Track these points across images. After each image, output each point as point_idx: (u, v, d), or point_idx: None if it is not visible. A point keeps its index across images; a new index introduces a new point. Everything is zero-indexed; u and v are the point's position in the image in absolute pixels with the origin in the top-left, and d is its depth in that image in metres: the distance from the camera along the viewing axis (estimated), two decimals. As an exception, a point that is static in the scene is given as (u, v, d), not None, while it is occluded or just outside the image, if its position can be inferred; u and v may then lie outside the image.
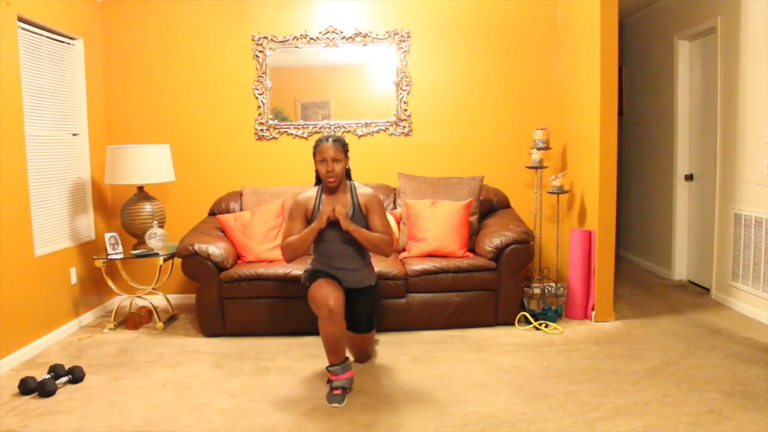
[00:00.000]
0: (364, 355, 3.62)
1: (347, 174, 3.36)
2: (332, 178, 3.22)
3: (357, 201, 3.30)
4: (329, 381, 3.17)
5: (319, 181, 3.38)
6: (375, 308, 3.53)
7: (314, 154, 3.25)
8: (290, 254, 3.26)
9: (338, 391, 3.10)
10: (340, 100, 5.10)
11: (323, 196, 3.32)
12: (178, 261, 4.36)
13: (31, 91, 4.08)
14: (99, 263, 4.42)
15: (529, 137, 4.86)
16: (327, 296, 3.11)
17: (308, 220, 3.32)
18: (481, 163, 5.07)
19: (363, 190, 3.34)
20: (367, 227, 3.30)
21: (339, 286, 3.26)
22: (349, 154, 3.30)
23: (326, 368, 3.18)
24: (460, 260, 4.20)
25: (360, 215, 3.29)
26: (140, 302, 4.67)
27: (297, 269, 4.07)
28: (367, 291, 3.44)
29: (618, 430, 2.72)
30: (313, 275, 3.33)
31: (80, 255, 4.56)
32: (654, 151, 5.82)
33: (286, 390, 3.26)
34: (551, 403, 3.01)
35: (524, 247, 4.19)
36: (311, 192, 3.37)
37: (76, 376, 3.40)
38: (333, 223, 3.21)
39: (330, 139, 3.22)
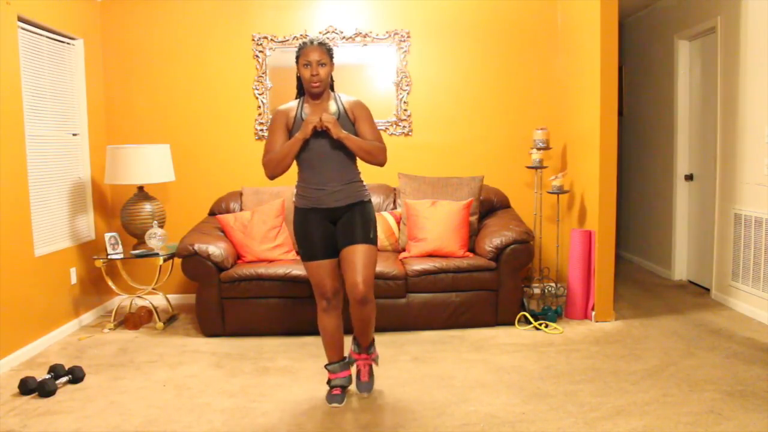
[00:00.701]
0: (362, 288, 2.95)
1: (331, 84, 3.09)
2: (317, 83, 2.93)
3: (343, 108, 3.03)
4: (328, 381, 3.17)
5: (300, 92, 3.10)
6: (371, 223, 3.08)
7: (297, 58, 2.97)
8: (273, 170, 2.98)
9: (337, 391, 3.10)
10: (340, 100, 5.09)
11: (306, 105, 3.04)
12: (178, 261, 4.36)
13: (31, 91, 4.08)
14: (99, 263, 4.42)
15: (529, 137, 4.86)
16: (324, 285, 3.03)
17: (290, 132, 3.01)
18: (481, 163, 5.07)
19: (348, 98, 3.09)
20: (356, 135, 3.02)
21: (336, 270, 3.07)
22: (334, 59, 3.02)
23: (324, 366, 3.17)
24: (460, 260, 4.20)
25: (347, 122, 3.00)
26: (140, 302, 4.67)
27: (297, 269, 4.08)
28: (360, 206, 3.07)
29: (618, 430, 2.72)
30: (303, 217, 3.06)
31: (80, 255, 4.56)
32: (654, 151, 5.82)
33: (286, 390, 3.26)
34: (551, 403, 3.01)
35: (524, 247, 4.19)
36: (292, 102, 3.08)
37: (76, 376, 3.40)
38: (319, 134, 2.93)
39: (315, 42, 2.95)
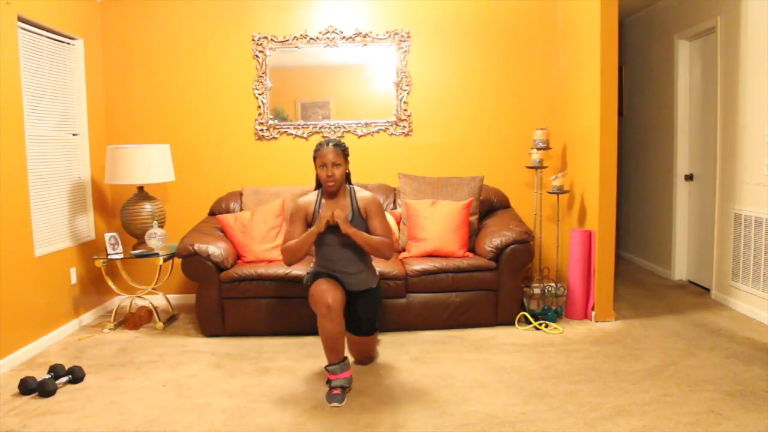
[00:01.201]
0: (366, 358, 3.61)
1: (347, 178, 3.36)
2: (332, 183, 3.23)
3: (356, 205, 3.31)
4: (328, 381, 3.17)
5: (319, 185, 3.37)
6: (376, 311, 3.51)
7: (314, 158, 3.26)
8: (290, 258, 3.27)
9: (337, 391, 3.10)
10: (340, 100, 5.10)
11: (323, 201, 3.32)
12: (178, 261, 4.36)
13: (31, 91, 4.08)
14: (99, 263, 4.42)
15: (529, 137, 4.86)
16: (325, 294, 3.13)
17: (308, 224, 3.32)
18: (481, 163, 5.07)
19: (362, 194, 3.35)
20: (367, 230, 3.30)
21: (338, 285, 3.27)
22: (348, 158, 3.31)
23: (325, 368, 3.19)
24: (460, 260, 4.20)
25: (359, 219, 3.29)
26: (140, 302, 4.67)
27: (297, 269, 4.08)
28: (369, 293, 3.43)
29: (618, 430, 2.72)
30: (314, 276, 3.35)
31: (80, 255, 4.56)
32: (654, 151, 5.82)
33: (286, 390, 3.26)
34: (551, 403, 3.01)
35: (524, 247, 4.19)
36: (311, 196, 3.37)
37: (76, 376, 3.40)
38: (333, 227, 3.20)
39: (330, 144, 3.23)
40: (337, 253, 3.30)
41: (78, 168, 4.65)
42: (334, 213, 3.15)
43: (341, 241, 3.26)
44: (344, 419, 2.91)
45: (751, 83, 4.25)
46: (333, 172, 3.20)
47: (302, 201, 3.35)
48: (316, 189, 3.41)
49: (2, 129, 3.68)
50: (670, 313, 4.45)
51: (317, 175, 3.31)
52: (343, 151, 3.25)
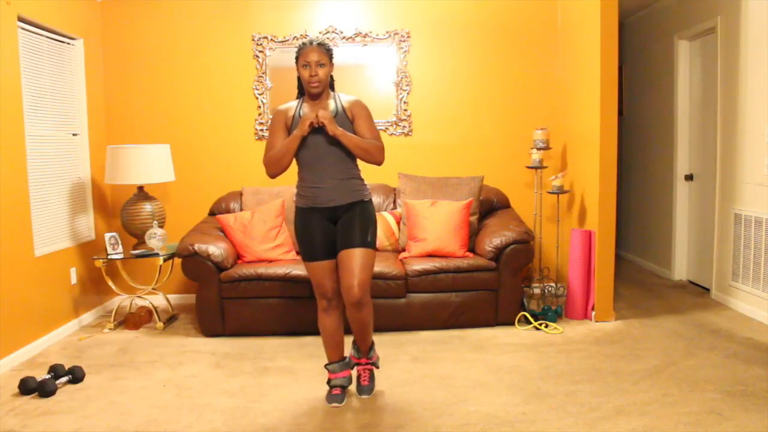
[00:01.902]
0: (356, 286, 2.96)
1: (331, 83, 3.12)
2: (316, 83, 2.95)
3: (342, 107, 3.04)
4: (328, 381, 3.17)
5: (301, 92, 3.12)
6: (370, 225, 3.08)
7: (296, 59, 2.99)
8: (273, 168, 3.01)
9: (337, 391, 3.10)
10: (340, 100, 5.09)
11: (305, 105, 3.06)
12: (178, 261, 4.36)
13: (31, 91, 4.08)
14: (99, 263, 4.42)
15: (529, 137, 4.86)
16: (324, 285, 3.05)
17: (289, 131, 3.03)
18: (481, 163, 5.07)
19: (348, 97, 3.10)
20: (354, 134, 3.03)
21: (334, 270, 3.07)
22: (333, 60, 3.04)
23: (325, 366, 3.18)
24: (460, 260, 4.20)
25: (345, 120, 3.01)
26: (140, 302, 4.67)
27: (297, 269, 4.08)
28: (360, 206, 3.07)
29: (618, 430, 2.72)
30: (307, 240, 3.06)
31: (80, 255, 4.56)
32: (654, 151, 5.82)
33: (286, 390, 3.26)
34: (551, 403, 3.01)
35: (524, 247, 4.19)
36: (292, 102, 3.10)
37: (76, 376, 3.40)
38: (317, 131, 2.95)
39: (314, 43, 2.97)
40: (321, 160, 3.00)
41: (78, 168, 4.65)
42: (319, 113, 2.89)
43: (326, 144, 2.97)
44: (344, 419, 2.91)
45: (751, 83, 4.25)
46: (317, 71, 2.94)
47: (281, 107, 3.09)
48: (297, 98, 3.13)
49: (2, 129, 3.68)
50: (670, 313, 4.45)
51: (299, 78, 3.05)
52: (327, 51, 2.99)
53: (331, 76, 3.09)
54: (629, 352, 3.70)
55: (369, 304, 3.05)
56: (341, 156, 3.02)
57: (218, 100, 5.07)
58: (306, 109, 3.03)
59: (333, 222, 3.08)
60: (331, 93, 3.10)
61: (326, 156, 3.00)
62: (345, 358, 3.20)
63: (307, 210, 3.07)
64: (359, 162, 3.11)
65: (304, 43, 2.99)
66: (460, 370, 3.48)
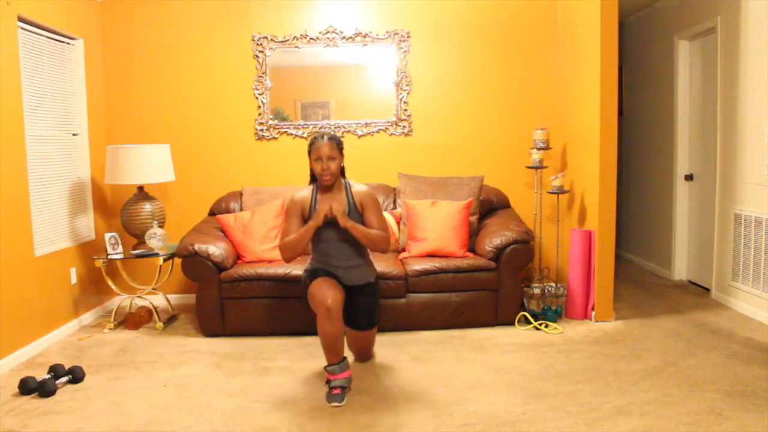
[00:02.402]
0: (365, 354, 3.63)
1: (342, 172, 3.37)
2: (327, 176, 3.22)
3: (352, 198, 3.31)
4: (328, 381, 3.18)
5: (313, 179, 3.38)
6: (375, 305, 3.52)
7: (309, 153, 3.26)
8: (288, 253, 3.27)
9: (337, 391, 3.10)
10: (340, 100, 5.10)
11: (319, 195, 3.32)
12: (178, 261, 4.36)
13: (31, 91, 4.08)
14: (99, 263, 4.42)
15: (529, 137, 4.86)
16: (325, 295, 3.13)
17: (305, 219, 3.31)
18: (481, 163, 5.07)
19: (358, 188, 3.35)
20: (363, 224, 3.31)
21: (338, 285, 3.27)
22: (343, 151, 3.32)
23: (324, 368, 3.19)
24: (460, 260, 4.20)
25: (356, 213, 3.29)
26: (140, 302, 4.67)
27: (297, 269, 4.08)
28: (367, 288, 3.45)
29: (618, 430, 2.72)
30: (312, 274, 3.35)
31: (80, 255, 4.56)
32: (654, 151, 5.82)
33: (286, 390, 3.26)
34: (551, 403, 3.01)
35: (524, 247, 4.19)
36: (306, 191, 3.37)
37: (76, 376, 3.40)
38: (330, 222, 3.21)
39: (325, 137, 3.23)
40: (334, 248, 3.31)
41: (78, 168, 4.65)
42: (332, 207, 3.15)
43: (339, 235, 3.27)
44: (344, 419, 2.91)
45: (751, 83, 4.25)
46: (329, 165, 3.20)
47: (297, 196, 3.35)
48: (310, 184, 3.41)
49: (2, 129, 3.69)
50: (670, 313, 4.45)
51: (312, 170, 3.30)
52: (338, 144, 3.25)
53: (342, 166, 3.36)
54: (629, 352, 3.70)
55: (373, 354, 3.60)
56: (352, 247, 3.33)
57: (218, 100, 5.07)
58: (319, 202, 3.29)
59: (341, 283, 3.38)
60: (342, 182, 3.35)
61: (338, 247, 3.32)
62: (344, 359, 3.21)
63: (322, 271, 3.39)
64: None
65: (315, 138, 3.25)
66: (460, 370, 3.48)
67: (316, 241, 3.33)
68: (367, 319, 3.47)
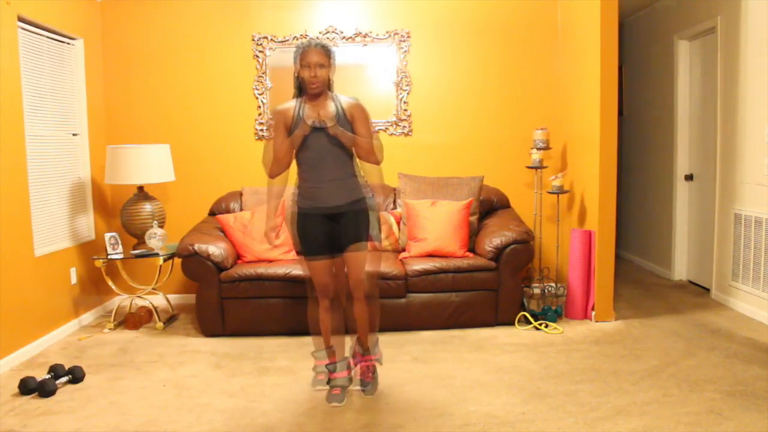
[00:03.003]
0: (364, 278, 3.11)
1: (329, 84, 3.12)
2: (315, 84, 2.98)
3: (342, 108, 3.06)
4: (328, 381, 3.17)
5: (299, 92, 3.11)
6: (371, 220, 3.14)
7: (296, 59, 3.02)
8: (274, 167, 3.08)
9: (337, 390, 3.10)
10: (340, 100, 5.09)
11: (305, 105, 3.06)
12: (178, 261, 4.36)
13: (31, 91, 4.08)
14: (99, 263, 4.42)
15: (529, 137, 4.86)
16: (326, 284, 3.09)
17: (289, 131, 3.05)
18: (481, 163, 5.06)
19: (346, 98, 3.12)
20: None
21: (339, 267, 3.15)
22: (333, 61, 3.07)
23: (312, 353, 3.20)
24: (460, 260, 4.20)
25: (345, 122, 3.04)
26: (140, 302, 4.66)
27: (297, 269, 4.08)
28: (361, 203, 3.12)
29: (618, 430, 2.72)
30: (303, 239, 3.11)
31: (80, 255, 4.56)
32: (654, 151, 5.82)
33: (286, 390, 3.26)
34: (551, 403, 3.01)
35: (524, 247, 4.19)
36: (291, 102, 3.11)
37: (76, 376, 3.40)
38: (318, 131, 2.98)
39: (314, 44, 3.01)
40: (322, 160, 3.04)
41: (78, 168, 4.65)
42: (321, 113, 2.97)
43: (326, 146, 3.02)
44: (344, 419, 2.91)
45: (751, 83, 4.25)
46: (317, 72, 2.97)
47: (280, 108, 3.10)
48: (295, 97, 3.13)
49: (2, 129, 3.68)
50: (670, 313, 4.45)
51: (298, 79, 3.06)
52: (328, 52, 3.02)
53: (331, 78, 3.11)
54: (629, 352, 3.70)
55: (376, 297, 3.14)
56: (341, 156, 3.06)
57: (218, 100, 5.07)
58: (307, 109, 3.04)
59: (334, 221, 3.10)
60: (329, 94, 3.11)
61: (327, 156, 3.04)
62: (345, 358, 3.21)
63: (307, 211, 3.10)
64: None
65: (304, 44, 3.01)
66: (460, 370, 3.48)
67: (302, 151, 3.05)
68: (364, 233, 3.09)
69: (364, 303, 3.15)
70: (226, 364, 3.67)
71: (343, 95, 3.15)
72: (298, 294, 4.06)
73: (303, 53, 2.99)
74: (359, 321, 3.20)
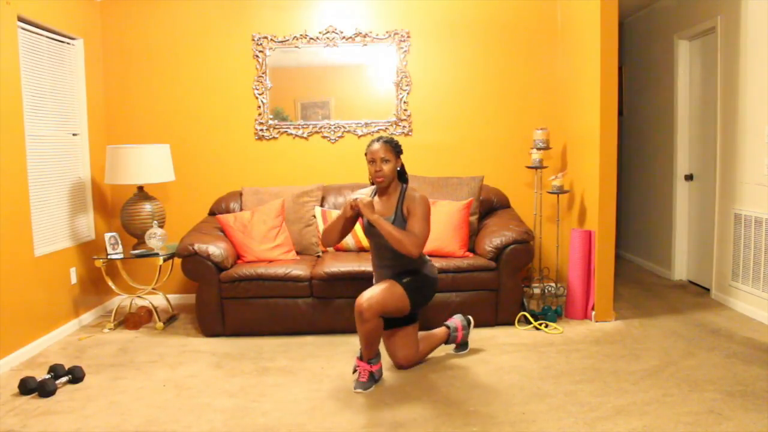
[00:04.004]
0: (402, 357, 3.45)
1: (401, 176, 3.40)
2: (380, 178, 3.28)
3: (402, 202, 3.32)
4: (355, 369, 3.29)
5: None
6: (411, 299, 3.34)
7: (365, 154, 3.33)
8: (324, 239, 3.43)
9: (365, 377, 3.24)
10: (340, 100, 5.10)
11: (375, 197, 3.41)
12: (178, 261, 4.36)
13: (31, 91, 4.08)
14: (99, 263, 4.42)
15: (529, 137, 4.86)
16: (362, 296, 3.21)
17: (355, 216, 3.37)
18: (481, 163, 5.07)
19: (411, 193, 3.33)
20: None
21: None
22: (400, 155, 3.35)
23: (357, 357, 3.33)
24: (460, 260, 4.20)
25: (400, 217, 3.29)
26: (140, 302, 4.67)
27: (297, 269, 4.08)
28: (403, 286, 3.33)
29: (618, 430, 2.72)
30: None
31: (80, 255, 4.56)
32: (654, 151, 5.82)
33: (286, 390, 3.26)
34: (551, 403, 3.01)
35: (524, 247, 4.19)
36: (367, 190, 3.49)
37: (76, 376, 3.40)
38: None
39: (381, 140, 3.30)
40: (375, 244, 3.38)
41: (78, 168, 4.65)
42: (358, 199, 3.23)
43: (376, 235, 3.31)
44: (344, 419, 2.91)
45: (751, 83, 4.25)
46: (381, 167, 3.26)
47: (356, 193, 3.46)
48: (372, 184, 3.44)
49: (2, 129, 3.69)
50: (670, 313, 4.45)
51: (368, 171, 3.36)
52: (393, 147, 3.30)
53: (403, 167, 3.40)
54: (629, 352, 3.70)
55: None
56: (386, 245, 3.29)
57: (218, 100, 5.07)
58: (375, 201, 3.37)
59: None
60: (399, 187, 3.36)
61: (379, 247, 3.35)
62: (378, 353, 3.34)
63: None
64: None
65: (372, 141, 3.32)
66: (460, 370, 3.48)
67: (370, 243, 3.43)
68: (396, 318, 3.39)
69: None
70: (226, 364, 3.67)
71: (414, 189, 3.38)
72: (298, 294, 4.08)
73: (369, 150, 3.28)
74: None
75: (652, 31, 5.79)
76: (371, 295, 3.21)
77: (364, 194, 3.39)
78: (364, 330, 3.19)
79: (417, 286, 3.35)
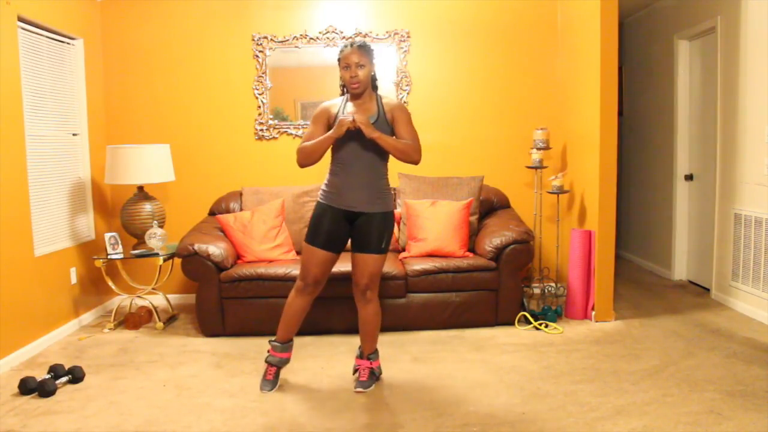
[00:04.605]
0: (365, 284, 3.19)
1: (373, 84, 3.20)
2: (356, 84, 3.07)
3: (383, 109, 3.15)
4: (267, 358, 3.26)
5: (344, 90, 3.22)
6: (386, 234, 3.20)
7: (338, 60, 3.12)
8: (303, 159, 3.14)
9: (270, 376, 3.24)
10: (340, 100, 5.09)
11: (348, 104, 3.16)
12: (178, 261, 4.36)
13: (31, 91, 4.08)
14: (99, 263, 4.42)
15: (529, 137, 4.86)
16: (309, 270, 3.14)
17: (329, 127, 3.15)
18: (481, 163, 5.07)
19: (389, 99, 3.22)
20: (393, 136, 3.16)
21: (330, 260, 3.19)
22: (374, 60, 3.14)
23: (269, 341, 3.27)
24: (460, 260, 4.20)
25: (385, 123, 3.13)
26: (140, 302, 4.67)
27: (297, 269, 4.07)
28: (380, 216, 3.17)
29: (618, 430, 2.73)
30: (314, 230, 3.17)
31: (80, 255, 4.56)
32: (654, 151, 5.82)
33: (287, 390, 3.26)
34: (551, 403, 3.01)
35: (524, 247, 4.19)
36: (336, 99, 3.24)
37: (76, 376, 3.40)
38: (353, 134, 3.05)
39: (354, 45, 3.09)
40: (353, 163, 3.12)
41: (78, 168, 4.65)
42: (355, 117, 2.99)
43: (361, 148, 3.09)
44: (344, 419, 2.91)
45: (751, 83, 4.25)
46: (357, 72, 3.05)
47: (326, 104, 3.21)
48: (342, 94, 3.25)
49: (2, 129, 3.69)
50: (670, 313, 4.46)
51: (341, 78, 3.15)
52: (367, 52, 3.10)
53: (374, 77, 3.20)
54: (629, 352, 3.70)
55: (375, 300, 3.19)
56: (373, 162, 3.15)
57: (218, 100, 5.07)
58: (349, 108, 3.13)
59: (349, 221, 3.18)
60: (374, 94, 3.21)
61: (359, 159, 3.13)
62: (291, 341, 3.28)
63: (329, 204, 3.18)
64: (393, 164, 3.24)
65: (345, 45, 3.11)
66: (460, 370, 3.48)
67: (337, 155, 3.16)
68: (377, 243, 3.16)
69: (362, 303, 3.23)
70: (226, 364, 3.67)
71: (387, 96, 3.24)
72: (298, 294, 4.07)
73: (343, 54, 3.10)
74: (360, 325, 3.30)
75: (652, 31, 5.79)
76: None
77: (334, 103, 3.19)
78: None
79: (389, 234, 3.21)
